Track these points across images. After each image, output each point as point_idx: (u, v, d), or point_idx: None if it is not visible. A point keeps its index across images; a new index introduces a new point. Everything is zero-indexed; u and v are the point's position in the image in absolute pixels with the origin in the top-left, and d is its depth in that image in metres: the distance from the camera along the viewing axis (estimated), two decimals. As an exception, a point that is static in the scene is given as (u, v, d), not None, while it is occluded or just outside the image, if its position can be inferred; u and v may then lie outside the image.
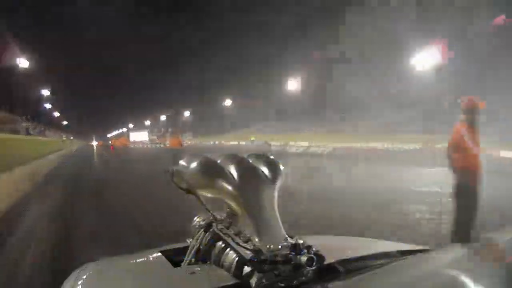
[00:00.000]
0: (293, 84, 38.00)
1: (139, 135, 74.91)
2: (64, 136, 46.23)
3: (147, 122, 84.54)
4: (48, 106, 60.13)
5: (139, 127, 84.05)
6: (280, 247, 0.66)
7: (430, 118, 20.12)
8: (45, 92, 54.40)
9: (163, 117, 77.36)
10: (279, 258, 0.63)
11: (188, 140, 46.53)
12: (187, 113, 68.27)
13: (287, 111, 40.58)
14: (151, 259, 0.86)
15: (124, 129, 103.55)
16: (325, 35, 34.38)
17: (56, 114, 73.56)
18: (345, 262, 0.66)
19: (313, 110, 35.75)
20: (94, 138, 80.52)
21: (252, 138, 30.84)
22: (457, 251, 0.65)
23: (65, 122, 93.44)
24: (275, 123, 41.15)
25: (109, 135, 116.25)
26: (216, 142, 40.64)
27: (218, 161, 0.82)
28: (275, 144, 26.38)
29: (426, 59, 22.30)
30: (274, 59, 49.80)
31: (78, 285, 0.70)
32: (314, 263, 0.62)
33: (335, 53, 33.35)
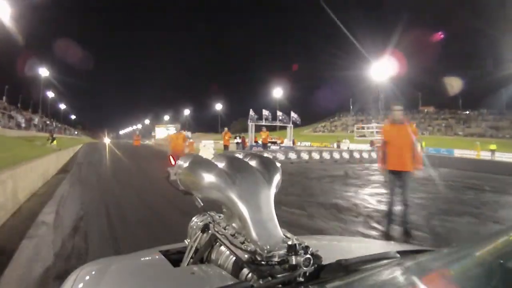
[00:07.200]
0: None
1: (166, 131, 56.23)
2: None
3: (167, 117, 77.70)
4: (51, 95, 50.10)
5: (158, 122, 74.33)
6: (276, 248, 0.66)
7: None
8: (44, 73, 39.95)
9: (186, 111, 69.08)
10: (275, 259, 0.64)
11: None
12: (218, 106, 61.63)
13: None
14: (151, 259, 0.87)
15: (139, 125, 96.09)
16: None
17: (63, 106, 64.69)
18: (343, 262, 0.66)
19: None
20: (106, 134, 63.74)
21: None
22: (457, 251, 0.64)
23: (73, 116, 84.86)
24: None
25: (121, 132, 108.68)
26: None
27: (214, 161, 0.82)
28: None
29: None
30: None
31: (78, 284, 0.71)
32: (310, 264, 0.62)
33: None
